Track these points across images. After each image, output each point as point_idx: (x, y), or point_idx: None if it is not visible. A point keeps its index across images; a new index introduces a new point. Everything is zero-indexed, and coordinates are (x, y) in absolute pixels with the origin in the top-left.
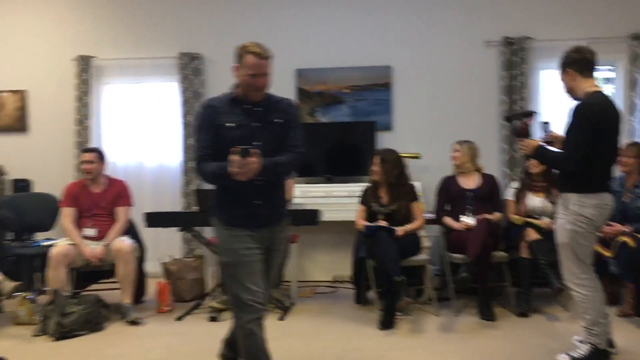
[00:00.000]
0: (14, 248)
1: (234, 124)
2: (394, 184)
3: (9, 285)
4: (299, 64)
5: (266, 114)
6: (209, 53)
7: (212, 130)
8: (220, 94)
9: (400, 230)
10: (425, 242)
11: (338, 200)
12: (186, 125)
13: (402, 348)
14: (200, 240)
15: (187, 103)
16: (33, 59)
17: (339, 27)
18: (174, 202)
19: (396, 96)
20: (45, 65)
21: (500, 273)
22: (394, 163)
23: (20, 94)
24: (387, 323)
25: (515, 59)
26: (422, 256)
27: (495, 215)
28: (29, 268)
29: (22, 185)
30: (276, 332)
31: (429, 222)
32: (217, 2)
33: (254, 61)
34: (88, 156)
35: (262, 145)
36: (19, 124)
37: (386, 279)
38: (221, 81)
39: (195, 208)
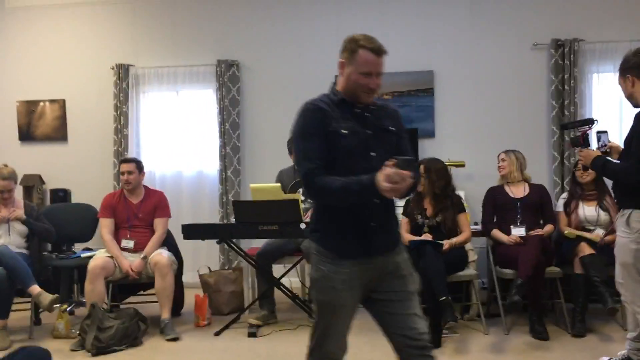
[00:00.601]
0: (53, 259)
1: (347, 131)
2: (439, 195)
3: (48, 297)
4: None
5: (377, 120)
6: (246, 60)
7: (324, 138)
8: (321, 95)
9: (446, 244)
10: (472, 256)
11: None
12: (223, 133)
13: None
14: (238, 252)
15: (224, 111)
16: (72, 68)
17: (380, 32)
18: (211, 211)
19: (439, 102)
20: (84, 74)
21: (553, 289)
22: (440, 173)
23: (59, 103)
24: (432, 341)
25: (565, 62)
26: (469, 271)
27: (547, 229)
28: (67, 280)
29: (60, 195)
30: None
31: (475, 234)
32: (255, 10)
33: (369, 58)
34: (127, 166)
35: (379, 156)
36: (58, 134)
37: (431, 296)
38: (258, 88)
39: (233, 219)
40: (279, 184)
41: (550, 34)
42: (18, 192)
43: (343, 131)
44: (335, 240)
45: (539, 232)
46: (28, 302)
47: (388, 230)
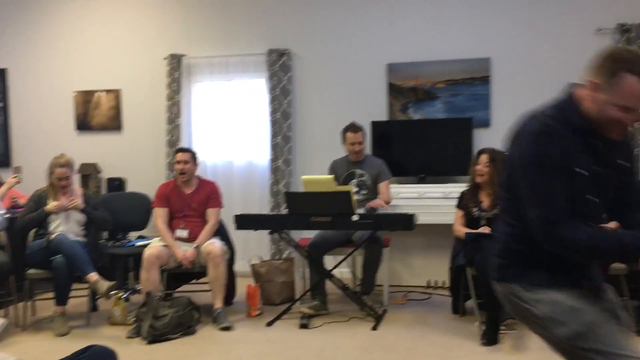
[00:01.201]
0: (109, 247)
1: (587, 172)
2: (499, 186)
3: (105, 284)
4: (390, 58)
5: (609, 153)
6: (297, 49)
7: (569, 175)
8: (550, 108)
9: None
10: None
11: (432, 202)
12: (274, 122)
13: None
14: (289, 243)
15: (275, 100)
16: (127, 59)
17: (433, 19)
18: (262, 201)
19: (495, 90)
20: (138, 64)
21: (618, 286)
22: (504, 163)
23: (115, 93)
24: (490, 338)
25: (632, 47)
26: None
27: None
28: (122, 267)
29: (116, 183)
30: (371, 344)
31: None
32: None
33: (637, 89)
34: (183, 156)
35: (601, 200)
36: (113, 123)
37: (489, 291)
38: (309, 77)
39: (283, 209)
40: (332, 176)
41: (615, 19)
42: (75, 181)
43: (583, 172)
44: (548, 272)
45: (611, 224)
46: (85, 289)
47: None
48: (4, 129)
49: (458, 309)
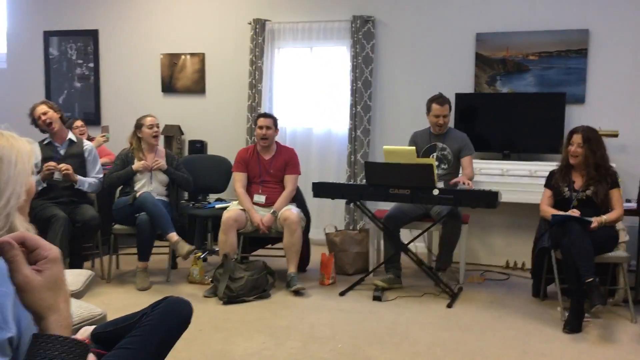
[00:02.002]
0: (189, 208)
1: None
2: (598, 166)
3: (185, 246)
4: (479, 28)
5: None
6: (383, 16)
7: None
8: None
9: (595, 221)
10: (623, 236)
11: (516, 179)
12: (355, 91)
13: (592, 358)
14: (366, 214)
15: (357, 68)
16: (211, 23)
17: None
18: (339, 170)
19: (593, 64)
20: (223, 28)
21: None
22: (600, 142)
23: (199, 57)
24: (574, 326)
25: None
26: (619, 252)
27: None
28: (201, 228)
29: (197, 146)
30: (446, 321)
31: (627, 212)
32: None
33: None
34: (266, 121)
35: None
36: (197, 86)
37: (575, 277)
38: (393, 46)
39: (360, 179)
40: (414, 147)
41: None
42: (159, 142)
43: None
44: None
45: None
46: (166, 247)
47: None
48: (94, 89)
49: (539, 293)
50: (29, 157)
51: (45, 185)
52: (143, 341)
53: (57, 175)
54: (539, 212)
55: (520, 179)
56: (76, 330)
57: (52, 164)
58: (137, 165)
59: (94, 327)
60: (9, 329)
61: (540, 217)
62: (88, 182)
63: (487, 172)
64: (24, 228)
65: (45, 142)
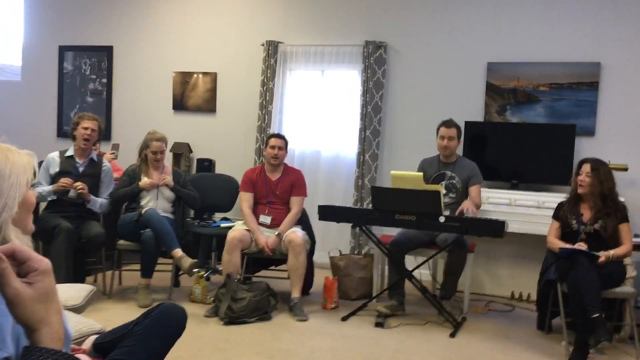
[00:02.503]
0: (195, 226)
1: None
2: (606, 197)
3: (188, 261)
4: (490, 57)
5: None
6: (394, 42)
7: None
8: None
9: (603, 256)
10: (630, 271)
11: (524, 210)
12: (365, 115)
13: None
14: (371, 239)
15: (367, 93)
16: (225, 43)
17: (541, 18)
18: (346, 194)
19: (604, 97)
20: (236, 49)
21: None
22: (609, 173)
23: (211, 76)
24: None
25: None
26: (626, 288)
27: None
28: (206, 247)
29: (206, 164)
30: (448, 351)
31: (636, 247)
32: None
33: None
34: (277, 142)
35: None
36: (208, 105)
37: (580, 311)
38: (404, 72)
39: (367, 204)
40: (421, 173)
41: None
42: (168, 159)
43: None
44: None
45: None
46: (169, 264)
47: None
48: (106, 104)
49: (544, 326)
50: (25, 169)
51: (55, 197)
52: (135, 350)
53: (72, 194)
54: (545, 244)
55: (528, 210)
56: (79, 343)
57: (69, 181)
58: (143, 182)
59: (96, 336)
60: (6, 348)
61: (547, 249)
62: (100, 202)
63: (494, 202)
64: (19, 240)
65: (67, 154)
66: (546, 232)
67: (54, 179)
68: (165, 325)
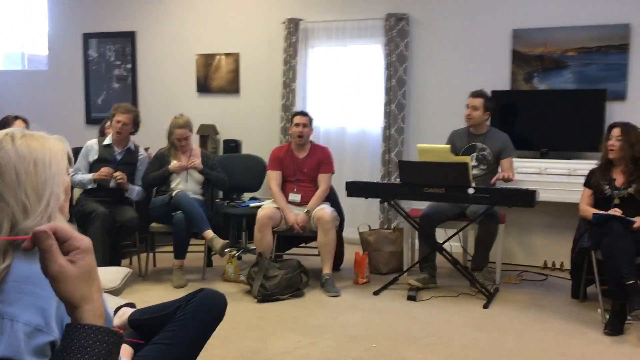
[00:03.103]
0: (224, 207)
1: None
2: (634, 163)
3: (220, 242)
4: (516, 24)
5: None
6: (417, 14)
7: None
8: None
9: (638, 221)
10: None
11: (554, 178)
12: (389, 89)
13: None
14: (400, 213)
15: (390, 66)
16: (246, 23)
17: None
18: (372, 169)
19: (634, 60)
20: (257, 28)
21: None
22: (638, 137)
23: (234, 57)
24: (615, 328)
25: None
26: None
27: None
28: (236, 227)
29: (232, 145)
30: (482, 322)
31: None
32: None
33: None
34: (301, 119)
35: None
36: (232, 86)
37: (616, 278)
38: (427, 44)
39: (394, 178)
40: (448, 145)
41: None
42: (194, 141)
43: None
44: None
45: None
46: (201, 244)
47: None
48: (132, 89)
49: (579, 294)
50: (62, 156)
51: (95, 185)
52: (178, 335)
53: (112, 183)
54: (578, 212)
55: (559, 178)
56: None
57: (109, 171)
58: (173, 165)
59: (132, 310)
60: (51, 332)
61: (580, 217)
62: (137, 191)
63: (524, 171)
64: None
65: (105, 142)
66: (578, 200)
67: (92, 166)
68: (207, 311)
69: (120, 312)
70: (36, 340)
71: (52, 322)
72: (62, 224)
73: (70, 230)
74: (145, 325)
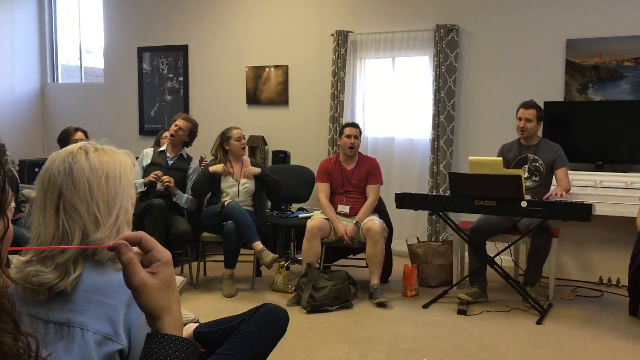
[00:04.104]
0: (273, 217)
1: None
2: None
3: (269, 255)
4: (570, 34)
5: None
6: (467, 24)
7: None
8: None
9: None
10: None
11: (610, 191)
12: (438, 101)
13: None
14: (450, 225)
15: (439, 78)
16: (295, 36)
17: None
18: (420, 180)
19: None
20: (306, 41)
21: None
22: None
23: (283, 69)
24: None
25: None
26: None
27: None
28: (284, 237)
29: (281, 156)
30: (535, 338)
31: None
32: None
33: None
34: (353, 130)
35: None
36: (280, 98)
37: None
38: (477, 55)
39: (442, 190)
40: (500, 158)
41: None
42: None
43: None
44: None
45: None
46: (251, 254)
47: None
48: (184, 101)
49: (636, 311)
50: (131, 169)
51: (145, 189)
52: (242, 347)
53: (159, 186)
54: (635, 226)
55: (615, 191)
56: None
57: (158, 173)
58: (214, 167)
59: (196, 325)
60: (120, 340)
61: (638, 232)
62: (185, 197)
63: (578, 184)
64: None
65: (160, 149)
66: (635, 214)
67: (145, 171)
68: (270, 324)
69: (186, 326)
70: (106, 349)
71: (121, 330)
72: (147, 234)
73: (154, 242)
74: (209, 338)
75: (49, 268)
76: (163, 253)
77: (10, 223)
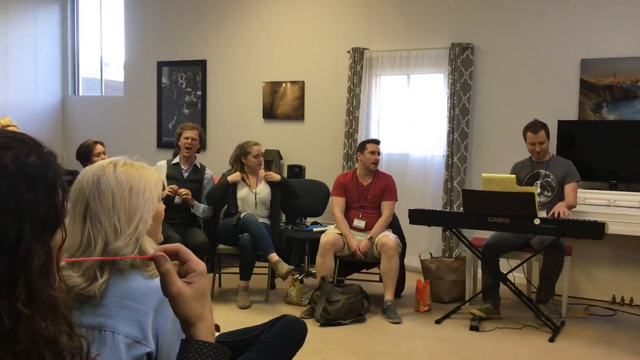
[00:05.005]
0: (288, 231)
1: None
2: None
3: (285, 267)
4: (585, 53)
5: None
6: (481, 43)
7: None
8: None
9: None
10: None
11: (624, 210)
12: (452, 118)
13: None
14: (463, 242)
15: (454, 95)
16: (311, 52)
17: (633, 9)
18: (435, 197)
19: None
20: (322, 57)
21: None
22: None
23: (299, 85)
24: None
25: None
26: None
27: None
28: (299, 250)
29: (296, 170)
30: (548, 356)
31: None
32: None
33: None
34: (376, 147)
35: None
36: (296, 113)
37: None
38: (492, 73)
39: (456, 207)
40: (514, 175)
41: None
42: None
43: None
44: None
45: None
46: (265, 267)
47: None
48: (202, 115)
49: None
50: (157, 185)
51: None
52: (260, 356)
53: (177, 200)
54: None
55: (629, 210)
56: None
57: (174, 187)
58: (232, 176)
59: (217, 334)
60: (148, 344)
61: None
62: (202, 207)
63: (591, 202)
64: (152, 249)
65: (174, 162)
66: None
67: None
68: (289, 335)
69: None
70: (135, 351)
71: (149, 334)
72: (184, 246)
73: (190, 253)
74: (229, 348)
75: (77, 273)
76: (198, 264)
77: (67, 233)
